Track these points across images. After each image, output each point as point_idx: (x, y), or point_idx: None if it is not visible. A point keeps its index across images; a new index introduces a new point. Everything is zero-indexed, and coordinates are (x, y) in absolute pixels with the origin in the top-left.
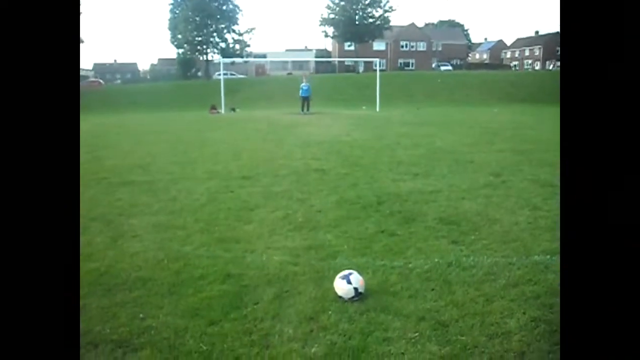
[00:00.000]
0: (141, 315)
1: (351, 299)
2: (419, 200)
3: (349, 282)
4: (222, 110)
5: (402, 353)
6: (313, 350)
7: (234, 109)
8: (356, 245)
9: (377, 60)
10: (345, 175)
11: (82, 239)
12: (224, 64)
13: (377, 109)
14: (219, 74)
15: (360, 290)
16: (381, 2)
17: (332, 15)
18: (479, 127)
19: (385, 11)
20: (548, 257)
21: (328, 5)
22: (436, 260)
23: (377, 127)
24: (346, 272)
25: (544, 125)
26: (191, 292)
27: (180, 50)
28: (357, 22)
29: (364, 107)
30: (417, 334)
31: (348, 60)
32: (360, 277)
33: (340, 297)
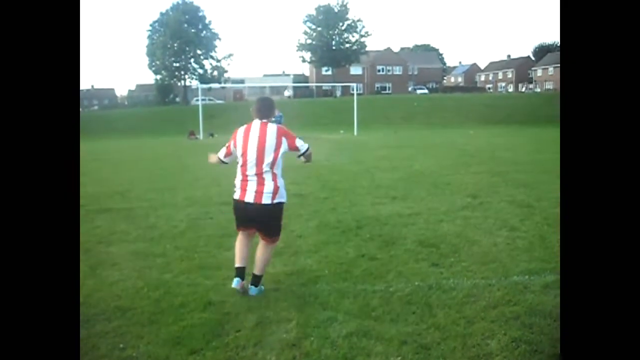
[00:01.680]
0: (121, 346)
1: None
2: (398, 223)
3: None
4: (201, 136)
5: None
6: None
7: (212, 135)
8: (337, 270)
9: (354, 84)
10: (324, 200)
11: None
12: (202, 89)
13: (355, 133)
14: (197, 100)
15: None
16: (357, 27)
17: (309, 41)
18: (456, 150)
19: (362, 36)
20: (527, 277)
21: (305, 31)
22: (417, 283)
23: (355, 150)
24: None
25: (519, 146)
26: (172, 321)
27: (158, 76)
28: (334, 47)
29: (341, 131)
30: (399, 358)
31: (325, 85)
32: None
33: None
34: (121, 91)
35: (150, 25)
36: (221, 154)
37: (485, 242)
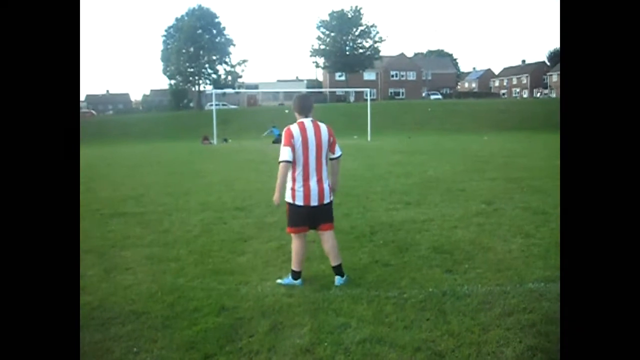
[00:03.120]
0: (135, 349)
1: None
2: (412, 229)
3: None
4: (215, 141)
5: None
6: None
7: (226, 140)
8: (350, 276)
9: (367, 90)
10: (338, 206)
11: None
12: (216, 94)
13: (369, 139)
14: (211, 105)
15: None
16: (371, 33)
17: (322, 46)
18: (470, 156)
19: (375, 42)
20: (542, 284)
21: (318, 36)
22: (430, 289)
23: (369, 156)
24: None
25: (534, 152)
26: (186, 325)
27: (173, 81)
28: (347, 53)
29: (355, 137)
30: None
31: (339, 90)
32: None
33: None
34: (136, 96)
35: (166, 30)
36: (287, 155)
37: (499, 248)
